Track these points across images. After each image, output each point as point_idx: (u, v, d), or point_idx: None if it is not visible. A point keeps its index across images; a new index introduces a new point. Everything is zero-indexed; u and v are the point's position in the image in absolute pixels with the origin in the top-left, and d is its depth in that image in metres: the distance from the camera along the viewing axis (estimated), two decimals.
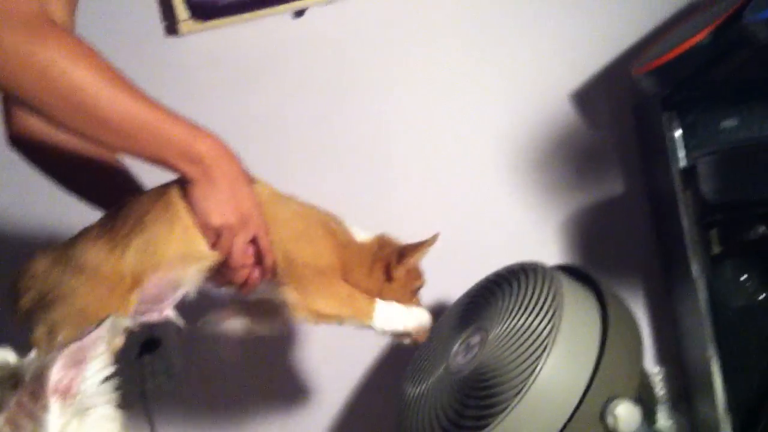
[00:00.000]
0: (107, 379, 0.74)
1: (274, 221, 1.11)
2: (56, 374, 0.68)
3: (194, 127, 1.04)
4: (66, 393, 0.69)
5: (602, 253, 1.72)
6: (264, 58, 1.73)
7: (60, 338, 0.97)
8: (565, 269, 1.37)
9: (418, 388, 1.35)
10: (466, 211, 1.69)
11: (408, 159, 1.73)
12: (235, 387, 1.76)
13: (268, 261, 1.10)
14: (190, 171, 1.03)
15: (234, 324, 1.20)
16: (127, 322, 0.74)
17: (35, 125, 1.20)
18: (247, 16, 1.70)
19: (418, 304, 1.20)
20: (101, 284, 1.01)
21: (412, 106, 1.73)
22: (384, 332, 1.15)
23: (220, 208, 1.05)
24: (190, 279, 1.08)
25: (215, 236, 1.06)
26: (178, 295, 1.10)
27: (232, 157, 1.07)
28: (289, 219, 1.13)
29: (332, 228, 1.16)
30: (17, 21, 0.92)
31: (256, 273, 1.12)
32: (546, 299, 1.24)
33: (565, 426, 1.16)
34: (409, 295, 1.19)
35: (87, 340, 0.69)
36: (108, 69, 0.99)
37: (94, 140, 1.02)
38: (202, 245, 1.06)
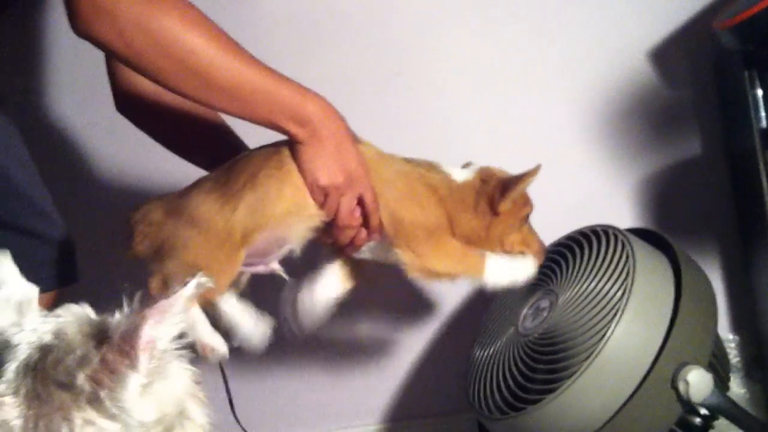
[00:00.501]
0: (181, 335, 0.75)
1: (379, 181, 1.14)
2: (148, 332, 0.69)
3: (302, 89, 1.08)
4: (151, 350, 0.71)
5: (678, 216, 1.69)
6: (339, 13, 1.72)
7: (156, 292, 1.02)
8: (638, 232, 1.34)
9: (487, 351, 1.35)
10: (540, 174, 1.67)
11: (481, 119, 1.71)
12: (307, 342, 1.78)
13: (374, 221, 1.13)
14: (299, 132, 1.07)
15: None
16: (211, 283, 0.76)
17: (141, 89, 1.26)
18: None
19: (529, 231, 1.23)
20: (213, 239, 1.06)
21: (487, 66, 1.71)
22: (495, 286, 1.18)
23: (327, 168, 1.08)
24: (296, 237, 1.12)
25: (323, 196, 1.09)
26: (284, 250, 1.14)
27: (339, 118, 1.10)
28: (393, 179, 1.16)
29: (433, 183, 1.18)
30: None
31: (363, 233, 1.15)
32: (618, 263, 1.23)
33: (635, 391, 1.15)
34: (519, 223, 1.22)
35: (175, 298, 0.70)
36: (220, 34, 1.03)
37: (207, 103, 1.07)
38: (310, 205, 1.10)
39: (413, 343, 1.76)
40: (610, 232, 1.29)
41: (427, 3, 1.71)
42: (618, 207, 1.68)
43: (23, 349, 0.69)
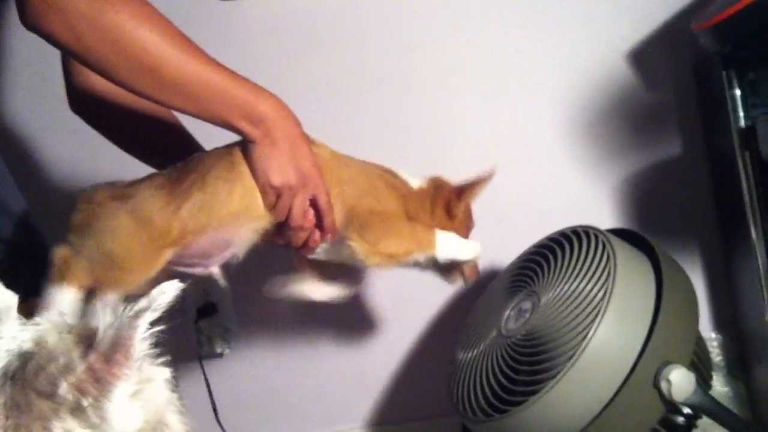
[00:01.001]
0: (160, 343, 0.74)
1: (338, 181, 1.14)
2: (139, 340, 0.68)
3: (256, 88, 1.07)
4: (138, 358, 0.69)
5: (659, 216, 1.69)
6: (321, 21, 1.72)
7: (73, 271, 0.99)
8: (619, 233, 1.35)
9: (470, 353, 1.35)
10: (519, 175, 1.67)
11: (461, 123, 1.72)
12: (290, 352, 1.78)
13: (328, 221, 1.12)
14: (252, 132, 1.06)
15: (297, 288, 1.23)
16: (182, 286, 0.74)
17: (97, 88, 1.24)
18: None
19: None
20: (145, 234, 1.04)
21: (467, 70, 1.71)
22: (446, 259, 1.18)
23: (280, 167, 1.07)
24: (242, 239, 1.11)
25: (275, 196, 1.09)
26: (227, 254, 1.13)
27: (293, 118, 1.09)
28: (353, 177, 1.16)
29: (392, 181, 1.19)
30: None
31: (316, 234, 1.14)
32: (599, 263, 1.23)
33: (618, 391, 1.15)
34: (464, 234, 1.25)
35: (157, 304, 0.69)
36: (173, 30, 1.02)
37: (159, 101, 1.05)
38: (259, 207, 1.09)
39: (397, 347, 1.76)
40: (591, 232, 1.30)
41: (407, 10, 1.71)
42: (599, 208, 1.69)
43: (1, 357, 0.67)
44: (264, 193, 1.08)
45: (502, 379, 1.24)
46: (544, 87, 1.70)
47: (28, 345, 0.69)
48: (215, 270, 1.16)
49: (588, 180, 1.69)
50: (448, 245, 1.19)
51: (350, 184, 1.15)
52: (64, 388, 0.66)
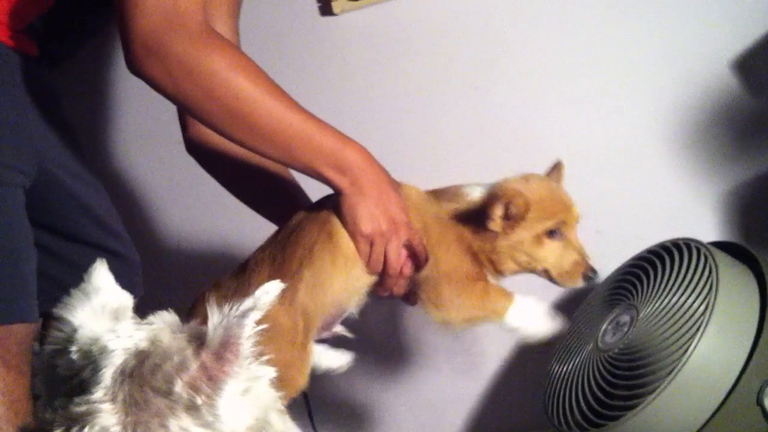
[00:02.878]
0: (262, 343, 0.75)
1: (420, 226, 1.12)
2: (247, 339, 0.70)
3: (343, 137, 1.09)
4: (244, 357, 0.71)
5: (763, 229, 1.65)
6: (417, 33, 1.74)
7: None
8: (722, 246, 1.32)
9: (566, 366, 1.34)
10: (619, 185, 1.65)
11: (560, 132, 1.71)
12: (384, 365, 1.81)
13: (424, 263, 1.12)
14: (340, 181, 1.08)
15: None
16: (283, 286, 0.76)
17: (208, 136, 1.29)
18: None
19: (550, 249, 1.11)
20: (282, 338, 1.05)
21: (566, 76, 1.70)
22: (515, 330, 1.12)
23: (370, 215, 1.08)
24: (352, 304, 1.14)
25: (368, 245, 1.09)
26: (344, 316, 1.16)
27: (378, 165, 1.11)
28: (430, 224, 1.13)
29: (459, 231, 1.12)
30: (185, 33, 1.01)
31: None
32: (700, 277, 1.21)
33: (718, 408, 1.13)
34: (537, 237, 1.10)
35: (263, 304, 0.71)
36: (266, 80, 1.05)
37: (251, 147, 1.09)
38: (362, 273, 1.10)
39: (490, 359, 1.75)
40: (693, 245, 1.27)
41: (502, 14, 1.71)
42: (701, 219, 1.65)
43: (119, 355, 0.70)
44: (357, 243, 1.09)
45: (599, 393, 1.23)
46: (646, 94, 1.67)
47: (144, 344, 0.71)
48: (339, 328, 1.19)
49: (690, 191, 1.65)
50: (521, 316, 1.10)
51: (428, 232, 1.12)
52: (179, 386, 0.68)
